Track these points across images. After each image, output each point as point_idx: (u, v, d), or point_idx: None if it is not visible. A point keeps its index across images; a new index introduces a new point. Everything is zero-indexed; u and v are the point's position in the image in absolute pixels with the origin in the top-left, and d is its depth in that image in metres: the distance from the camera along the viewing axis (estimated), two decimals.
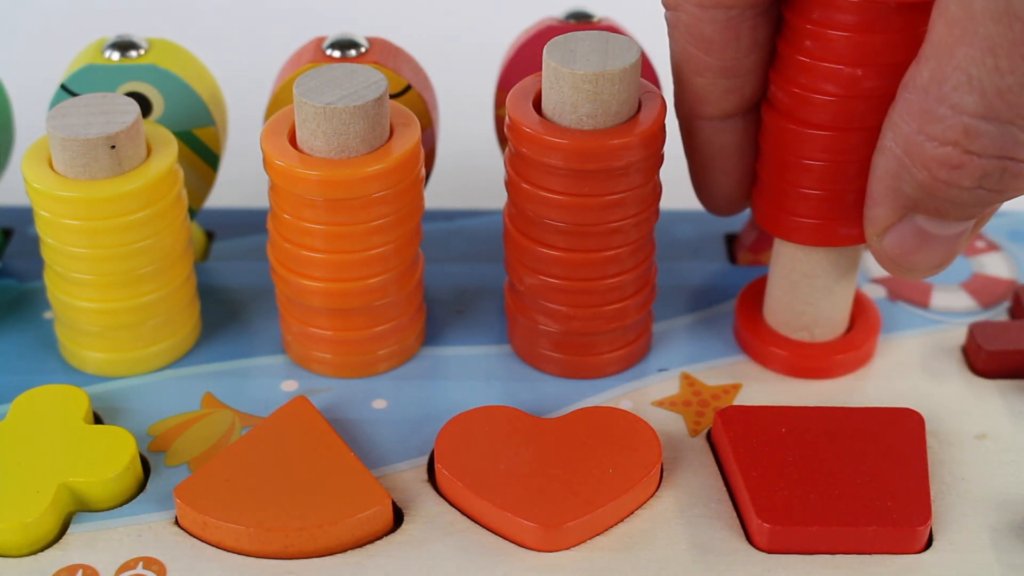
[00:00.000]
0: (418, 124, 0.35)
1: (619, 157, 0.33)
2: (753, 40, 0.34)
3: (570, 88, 0.33)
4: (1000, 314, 0.40)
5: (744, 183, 0.37)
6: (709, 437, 0.35)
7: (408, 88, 0.38)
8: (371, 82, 0.34)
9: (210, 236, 0.44)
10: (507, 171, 0.36)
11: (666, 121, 0.34)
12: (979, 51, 0.28)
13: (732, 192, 0.37)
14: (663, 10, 0.34)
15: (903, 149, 0.31)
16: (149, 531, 0.33)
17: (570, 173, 0.34)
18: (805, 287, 0.37)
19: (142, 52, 0.39)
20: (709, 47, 0.33)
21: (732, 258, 0.43)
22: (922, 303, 0.40)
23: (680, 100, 0.36)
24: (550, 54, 0.33)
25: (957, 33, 0.28)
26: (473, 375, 0.38)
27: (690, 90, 0.35)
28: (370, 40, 0.39)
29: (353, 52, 0.39)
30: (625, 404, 0.37)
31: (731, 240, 0.44)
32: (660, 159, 0.35)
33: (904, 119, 0.30)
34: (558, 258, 0.35)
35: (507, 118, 0.34)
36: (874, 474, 0.33)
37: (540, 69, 0.34)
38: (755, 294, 0.39)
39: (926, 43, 0.30)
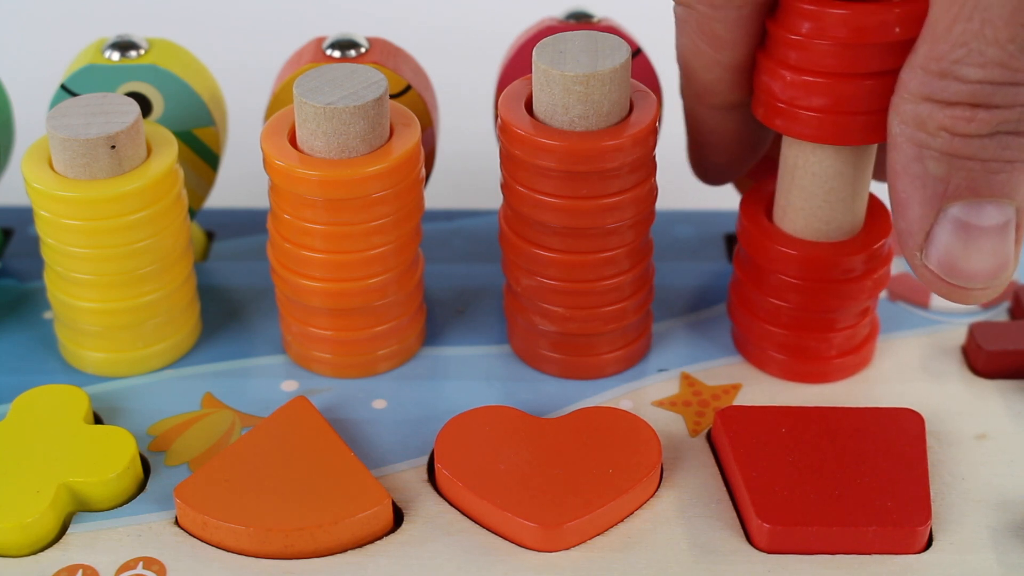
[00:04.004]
0: (418, 124, 0.35)
1: (611, 159, 0.33)
2: (762, 37, 0.34)
3: (561, 90, 0.33)
4: (1000, 314, 0.40)
5: (740, 161, 0.38)
6: (709, 437, 0.35)
7: (408, 88, 0.38)
8: (371, 82, 0.34)
9: (210, 236, 0.44)
10: (501, 173, 0.36)
11: (659, 122, 0.34)
12: (978, 24, 0.29)
13: (728, 168, 0.38)
14: (669, 5, 0.34)
15: (914, 124, 0.30)
16: (149, 531, 0.33)
17: (563, 175, 0.34)
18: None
19: (142, 52, 0.39)
20: (720, 44, 0.34)
21: (732, 258, 0.43)
22: (922, 303, 0.40)
23: (687, 89, 0.36)
24: (540, 56, 0.33)
25: (955, 10, 0.29)
26: (473, 375, 0.38)
27: (697, 82, 0.35)
28: (370, 40, 0.39)
29: (353, 52, 0.39)
30: (625, 404, 0.37)
31: (731, 240, 0.44)
32: (654, 160, 0.35)
33: (906, 99, 0.30)
34: (554, 260, 0.35)
35: (499, 121, 0.34)
36: (874, 474, 0.33)
37: None
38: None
39: (924, 26, 0.30)
